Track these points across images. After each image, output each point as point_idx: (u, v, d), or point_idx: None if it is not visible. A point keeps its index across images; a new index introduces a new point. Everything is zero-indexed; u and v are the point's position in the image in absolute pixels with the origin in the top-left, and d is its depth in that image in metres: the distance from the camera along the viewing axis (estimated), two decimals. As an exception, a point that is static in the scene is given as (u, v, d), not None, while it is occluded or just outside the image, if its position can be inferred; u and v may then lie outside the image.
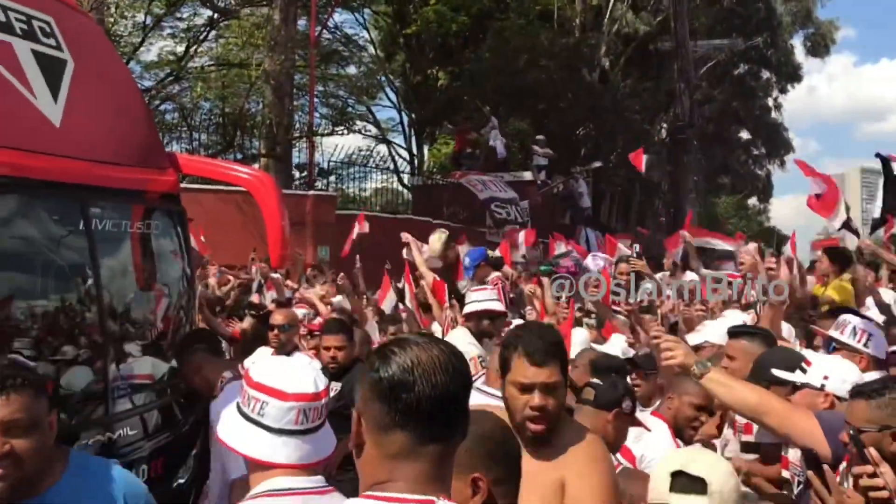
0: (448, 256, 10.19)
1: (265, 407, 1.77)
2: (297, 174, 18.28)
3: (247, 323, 7.01)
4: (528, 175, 21.91)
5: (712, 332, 5.22)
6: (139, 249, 5.01)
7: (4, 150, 3.83)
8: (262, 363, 1.91)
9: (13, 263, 4.10)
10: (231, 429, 1.82)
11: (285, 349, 5.67)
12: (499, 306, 5.67)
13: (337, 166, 19.64)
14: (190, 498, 5.14)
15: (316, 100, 19.16)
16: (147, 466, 4.62)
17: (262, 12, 16.80)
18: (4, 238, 4.02)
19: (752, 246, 9.12)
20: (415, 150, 28.28)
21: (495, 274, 7.62)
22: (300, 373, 1.84)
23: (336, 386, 5.15)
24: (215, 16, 18.20)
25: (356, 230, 11.49)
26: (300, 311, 7.66)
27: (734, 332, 4.31)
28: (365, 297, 10.34)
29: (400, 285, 8.77)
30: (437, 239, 10.03)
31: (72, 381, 4.31)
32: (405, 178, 26.49)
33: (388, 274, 10.39)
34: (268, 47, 15.16)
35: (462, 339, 5.31)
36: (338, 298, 8.81)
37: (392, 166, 26.98)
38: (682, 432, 3.82)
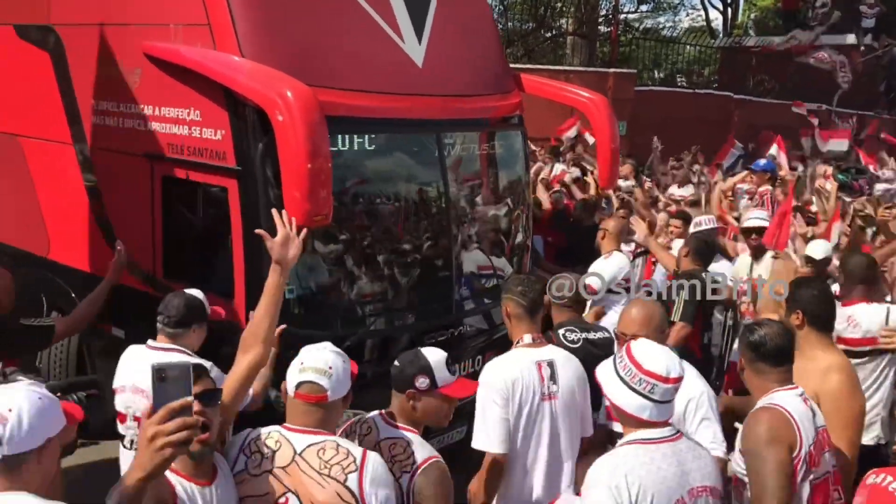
0: None
1: (654, 388, 2.43)
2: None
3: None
4: (850, 38, 19.47)
5: None
6: (485, 168, 5.53)
7: (376, 95, 4.43)
8: (647, 350, 2.53)
9: (378, 190, 4.80)
10: (616, 391, 2.49)
11: None
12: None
13: (639, 40, 19.04)
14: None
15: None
16: (482, 357, 5.29)
17: None
18: (373, 169, 4.69)
19: None
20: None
21: (764, 187, 7.75)
22: (670, 362, 2.48)
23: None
24: None
25: None
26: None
27: None
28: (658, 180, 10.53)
29: None
30: None
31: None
32: (718, 36, 24.50)
33: None
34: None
35: None
36: (627, 183, 8.93)
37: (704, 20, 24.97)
38: None
